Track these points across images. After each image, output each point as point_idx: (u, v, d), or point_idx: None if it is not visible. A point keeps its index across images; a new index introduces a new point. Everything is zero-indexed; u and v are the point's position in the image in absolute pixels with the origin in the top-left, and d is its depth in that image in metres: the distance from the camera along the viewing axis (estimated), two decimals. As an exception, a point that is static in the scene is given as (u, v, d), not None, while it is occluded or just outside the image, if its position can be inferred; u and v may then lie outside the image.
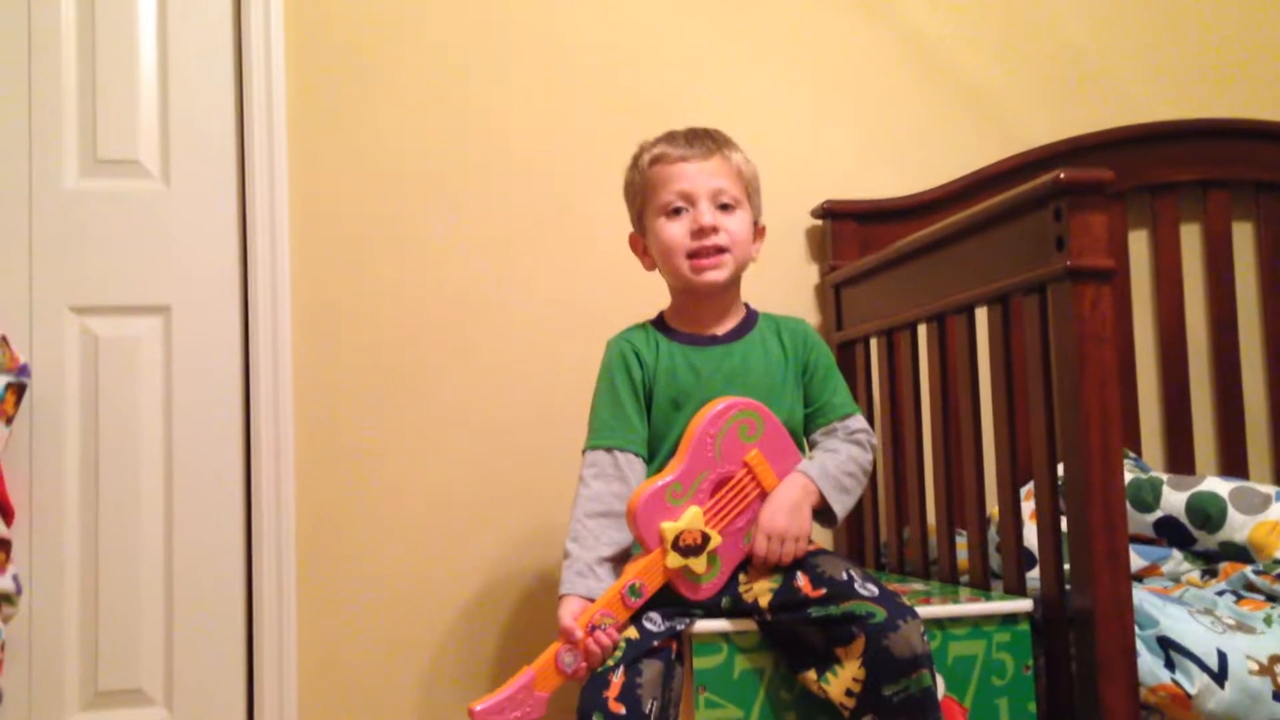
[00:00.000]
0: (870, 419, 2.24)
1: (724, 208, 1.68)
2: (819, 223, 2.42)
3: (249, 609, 2.17)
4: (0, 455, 2.03)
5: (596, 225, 2.29)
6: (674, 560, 1.53)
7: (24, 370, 2.08)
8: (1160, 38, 2.59)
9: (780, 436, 1.62)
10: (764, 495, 1.59)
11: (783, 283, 2.38)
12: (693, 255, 1.67)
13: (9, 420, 2.05)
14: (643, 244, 1.76)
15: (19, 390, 2.07)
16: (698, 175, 1.67)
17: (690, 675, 1.54)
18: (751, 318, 1.76)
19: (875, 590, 1.48)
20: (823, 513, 1.62)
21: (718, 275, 1.68)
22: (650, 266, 1.77)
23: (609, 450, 1.66)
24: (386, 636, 2.19)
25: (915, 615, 1.47)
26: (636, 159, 1.75)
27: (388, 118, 2.28)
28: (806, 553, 1.59)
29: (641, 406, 1.69)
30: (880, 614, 1.45)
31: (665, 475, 1.57)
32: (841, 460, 1.65)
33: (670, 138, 1.72)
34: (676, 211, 1.68)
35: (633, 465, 1.65)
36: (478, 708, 1.46)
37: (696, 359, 1.69)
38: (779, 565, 1.57)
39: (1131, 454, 2.26)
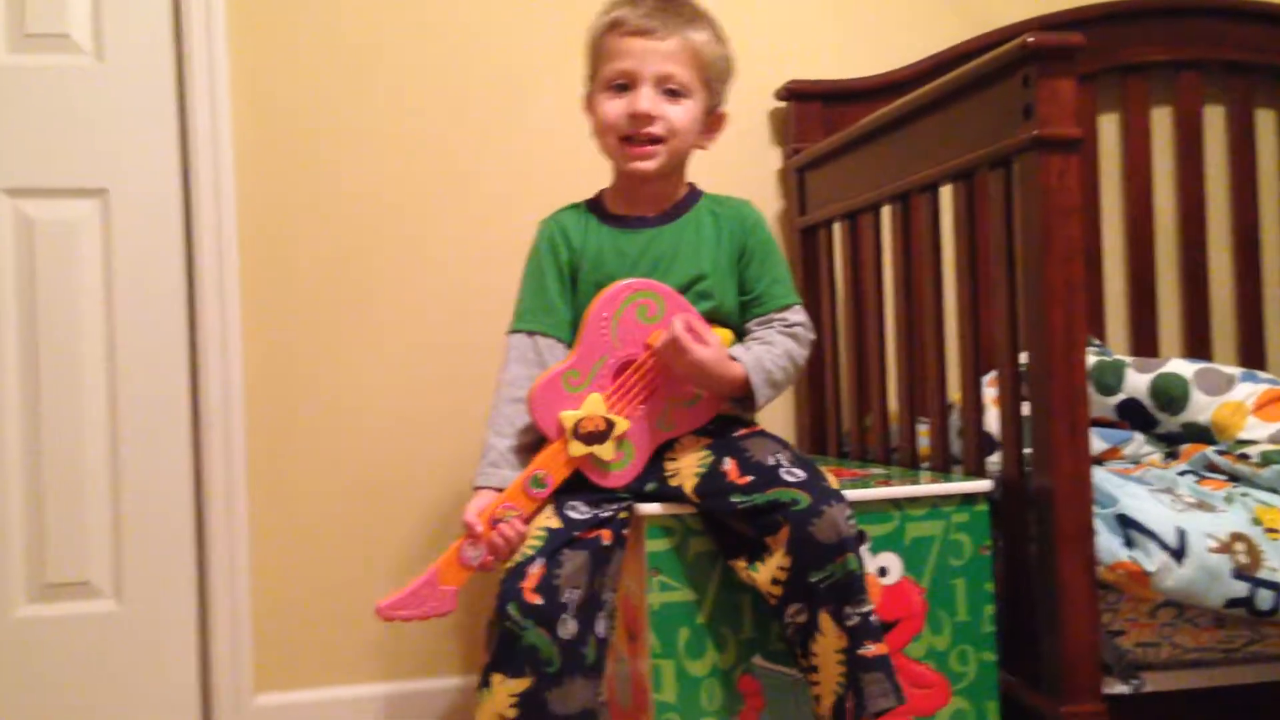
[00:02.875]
0: (832, 306, 2.20)
1: (670, 93, 1.59)
2: (782, 105, 2.35)
3: (198, 499, 2.12)
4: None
5: (551, 113, 2.20)
6: (577, 449, 1.50)
7: (-45, 254, 2.00)
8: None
9: (685, 312, 1.55)
10: (670, 375, 1.53)
11: (745, 167, 2.31)
12: (625, 139, 1.59)
13: (-60, 306, 1.98)
14: (586, 106, 1.67)
15: (-50, 275, 1.99)
16: (646, 54, 1.57)
17: (642, 558, 1.50)
18: (690, 199, 1.67)
19: (801, 475, 1.44)
20: (744, 400, 1.56)
21: (647, 165, 1.60)
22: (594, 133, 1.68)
23: (529, 334, 1.62)
24: (339, 527, 2.15)
25: (841, 499, 1.43)
26: (596, 19, 1.64)
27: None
28: (738, 435, 1.55)
29: (566, 289, 1.63)
30: (804, 500, 1.41)
31: (562, 363, 1.53)
32: (776, 354, 1.57)
33: (632, 4, 1.60)
34: (620, 88, 1.59)
35: (553, 349, 1.60)
36: (383, 604, 1.47)
37: (624, 242, 1.63)
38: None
39: (1096, 340, 2.23)
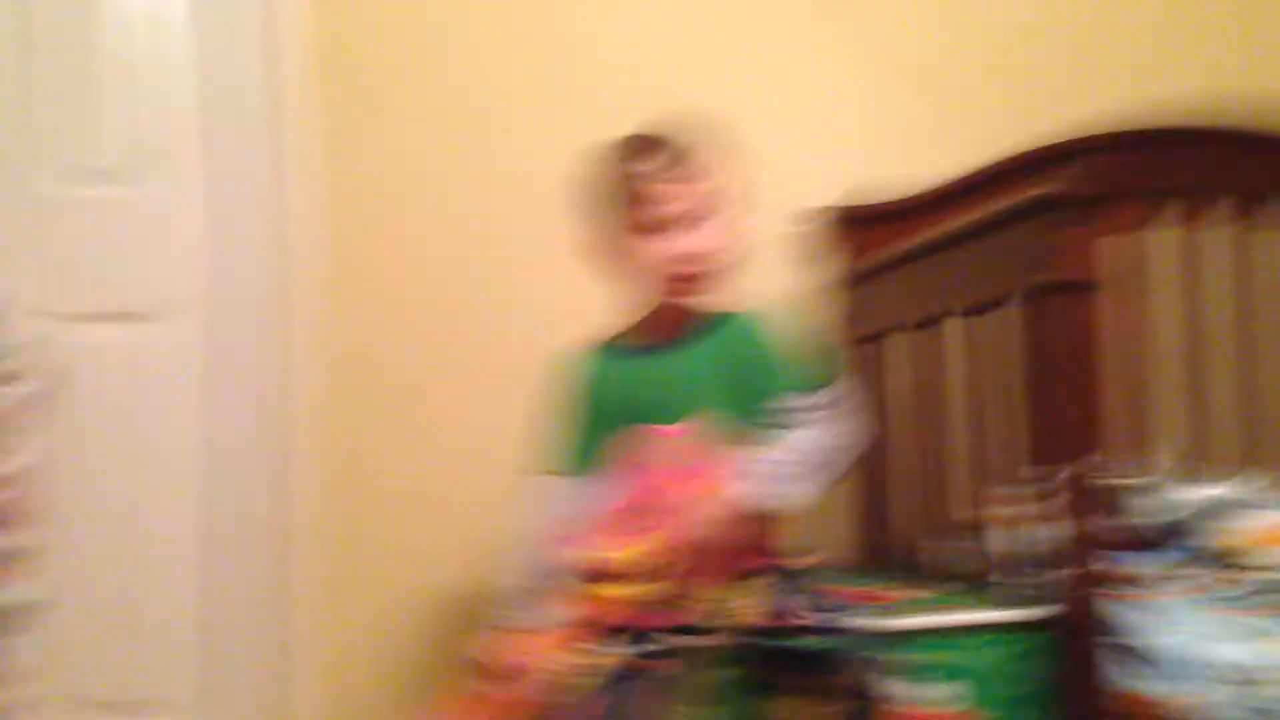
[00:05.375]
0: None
1: (699, 221, 1.62)
2: (823, 222, 2.44)
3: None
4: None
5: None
6: (611, 590, 1.52)
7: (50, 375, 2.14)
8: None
9: (714, 460, 1.57)
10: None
11: (782, 281, 2.40)
12: (672, 279, 1.63)
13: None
14: (599, 249, 1.70)
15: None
16: (673, 195, 1.61)
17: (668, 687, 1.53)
18: (706, 318, 1.68)
19: (821, 619, 1.48)
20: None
21: (703, 292, 1.65)
22: (610, 273, 1.71)
23: (555, 475, 1.69)
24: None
25: (865, 645, 1.47)
26: (605, 167, 1.67)
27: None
28: (758, 570, 1.56)
29: (583, 426, 1.69)
30: (846, 650, 1.46)
31: (598, 507, 1.59)
32: (779, 455, 1.56)
33: (640, 149, 1.64)
34: (653, 230, 1.63)
35: (579, 489, 1.65)
36: None
37: (637, 369, 1.68)
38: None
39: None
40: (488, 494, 2.21)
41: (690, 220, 1.63)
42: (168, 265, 2.28)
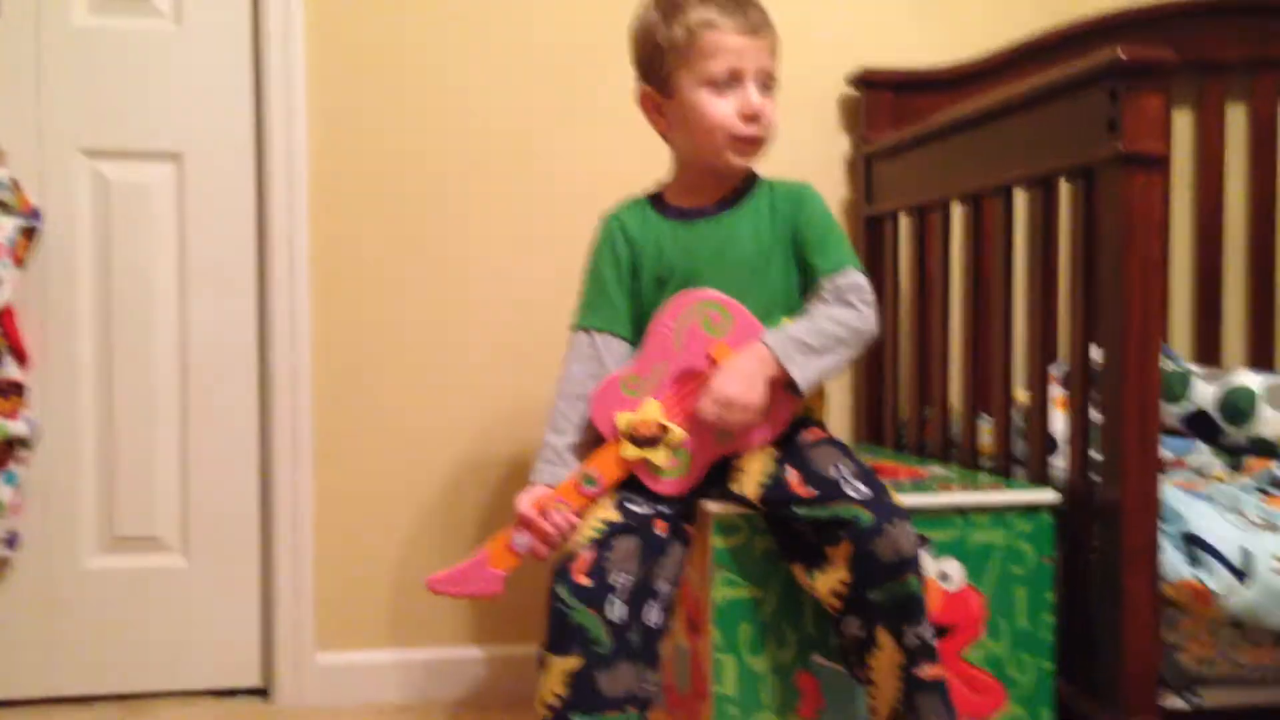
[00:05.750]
0: (895, 296, 2.20)
1: (765, 87, 1.59)
2: (852, 92, 2.33)
3: (264, 461, 2.17)
4: (12, 299, 2.00)
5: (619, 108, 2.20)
6: (630, 451, 1.52)
7: (35, 214, 2.04)
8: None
9: (751, 329, 1.54)
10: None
11: (813, 151, 2.30)
12: (736, 138, 1.58)
13: (21, 264, 2.01)
14: (656, 102, 1.64)
15: (30, 233, 2.03)
16: (749, 52, 1.57)
17: (708, 554, 1.53)
18: (748, 186, 1.66)
19: (865, 491, 1.44)
20: (790, 383, 1.52)
21: (753, 159, 1.62)
22: (662, 129, 1.66)
23: (588, 331, 1.64)
24: (402, 493, 2.19)
25: (905, 517, 1.43)
26: (674, 13, 1.60)
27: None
28: (803, 441, 1.54)
29: (625, 285, 1.64)
30: (867, 517, 1.41)
31: (625, 366, 1.56)
32: (811, 322, 1.54)
33: (717, 2, 1.58)
34: (723, 85, 1.57)
35: (610, 347, 1.62)
36: (432, 579, 1.54)
37: (684, 234, 1.63)
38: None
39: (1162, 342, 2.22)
40: (483, 350, 2.21)
41: (759, 79, 1.59)
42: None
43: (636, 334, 1.63)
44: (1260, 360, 2.36)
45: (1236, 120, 2.45)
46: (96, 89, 2.10)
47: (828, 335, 1.53)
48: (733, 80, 1.57)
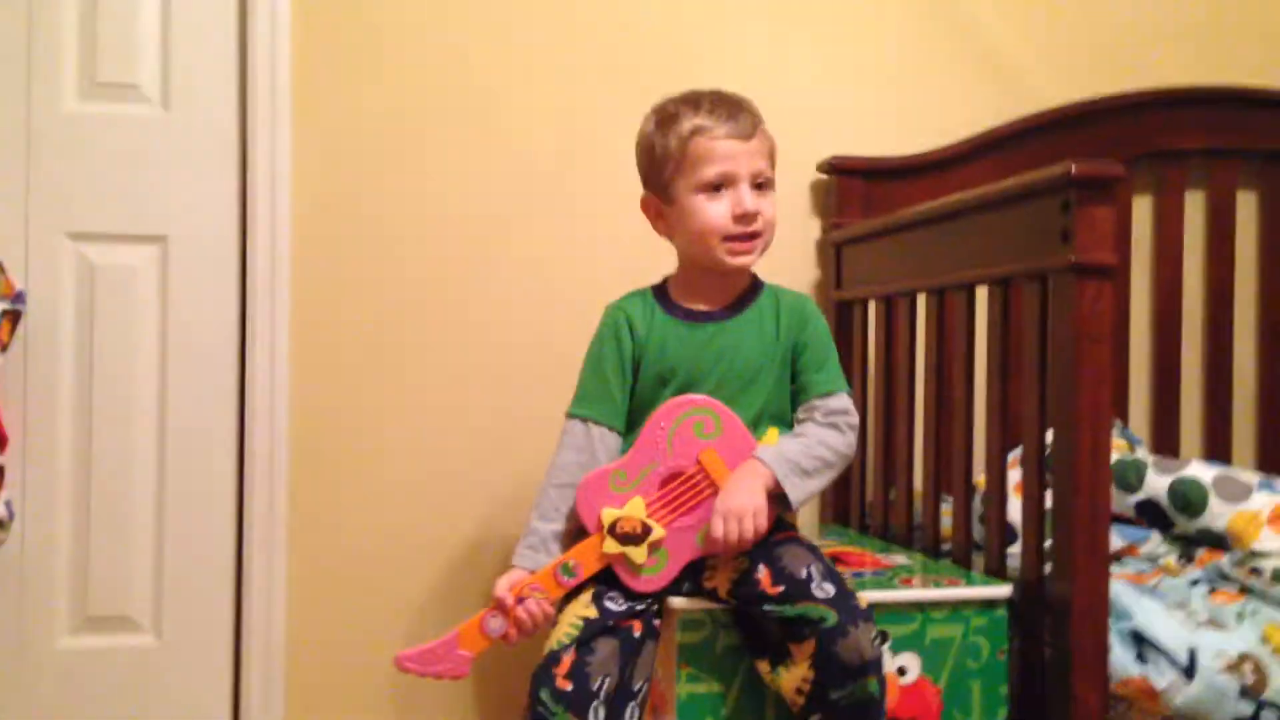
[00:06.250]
0: (864, 381, 2.26)
1: (759, 187, 1.64)
2: (824, 177, 2.40)
3: (239, 540, 2.19)
4: (-5, 381, 2.04)
5: (596, 195, 2.28)
6: (611, 546, 1.55)
7: (20, 297, 2.07)
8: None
9: (741, 437, 1.59)
10: (717, 494, 1.56)
11: (784, 237, 2.30)
12: (730, 238, 1.63)
13: (4, 347, 2.05)
14: (657, 208, 1.70)
15: (14, 317, 2.06)
16: (741, 155, 1.62)
17: (673, 649, 1.57)
18: (753, 292, 1.71)
19: (831, 591, 1.48)
20: (779, 497, 1.57)
21: (751, 260, 1.66)
22: (664, 233, 1.72)
23: (584, 420, 1.67)
24: (377, 571, 2.22)
25: (868, 619, 1.47)
26: (668, 123, 1.66)
27: (392, 52, 2.24)
28: (774, 541, 1.57)
29: (625, 379, 1.68)
30: (832, 618, 1.45)
31: (615, 461, 1.60)
32: (806, 444, 1.60)
33: (709, 107, 1.64)
34: (716, 189, 1.63)
35: (605, 439, 1.66)
36: (401, 655, 1.57)
37: (689, 335, 1.67)
38: (743, 550, 1.55)
39: (1119, 421, 2.28)
40: (453, 433, 2.26)
41: (753, 181, 1.64)
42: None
43: (630, 426, 1.67)
44: (1215, 447, 2.42)
45: (1196, 206, 2.52)
46: (84, 173, 2.15)
47: (818, 459, 1.60)
48: (726, 184, 1.63)
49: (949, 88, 2.46)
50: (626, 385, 1.68)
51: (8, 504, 2.05)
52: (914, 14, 2.46)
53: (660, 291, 1.74)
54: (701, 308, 1.70)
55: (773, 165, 1.68)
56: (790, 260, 2.28)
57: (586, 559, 1.57)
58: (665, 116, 1.67)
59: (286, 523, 2.18)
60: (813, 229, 2.42)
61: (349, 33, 2.23)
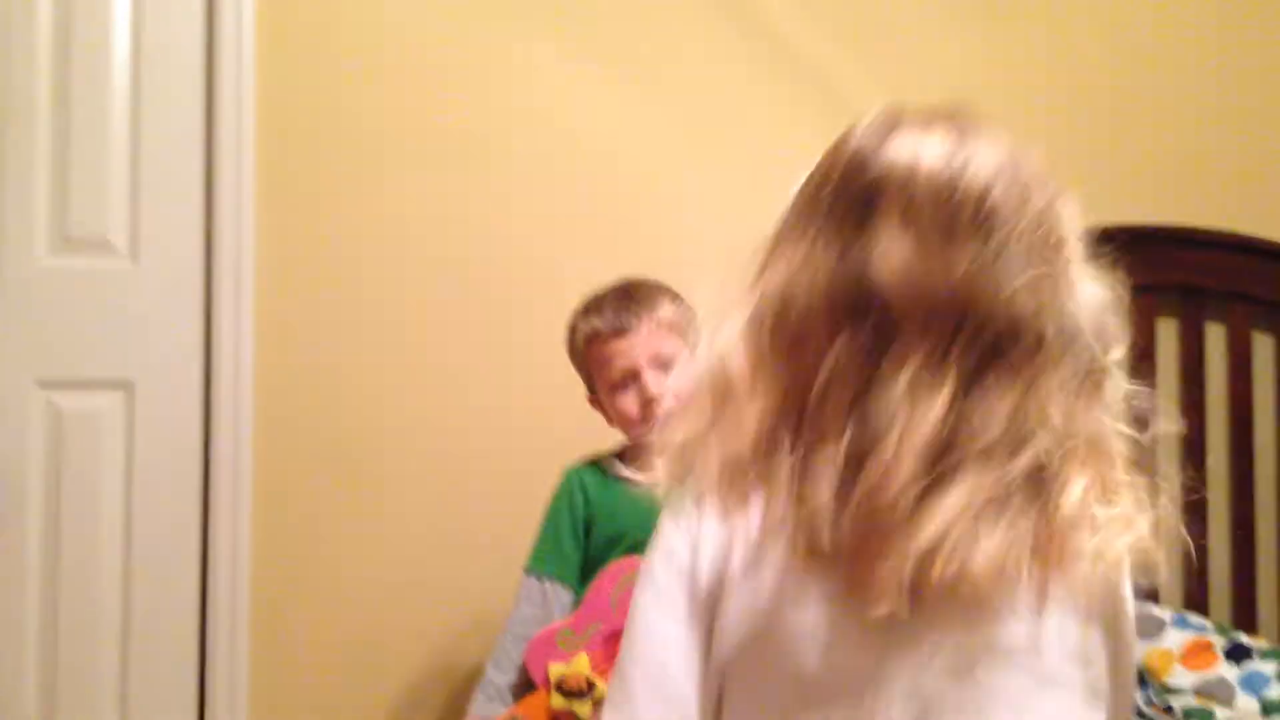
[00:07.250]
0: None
1: (663, 368, 1.74)
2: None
3: (200, 677, 2.25)
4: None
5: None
6: (557, 701, 1.64)
7: (-11, 444, 2.14)
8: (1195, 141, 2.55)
9: None
10: None
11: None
12: (640, 424, 1.74)
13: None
14: (597, 404, 1.83)
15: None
16: (636, 348, 1.73)
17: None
18: None
19: None
20: None
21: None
22: (607, 420, 1.84)
23: (539, 577, 1.79)
24: (336, 705, 2.28)
25: None
26: (572, 335, 1.81)
27: (352, 207, 2.34)
28: None
29: (579, 539, 1.80)
30: None
31: (563, 620, 1.71)
32: None
33: (598, 309, 1.77)
34: (625, 385, 1.75)
35: (558, 594, 1.78)
36: None
37: (637, 502, 1.76)
38: None
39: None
40: (411, 553, 2.33)
41: (654, 365, 1.73)
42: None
43: (583, 581, 1.77)
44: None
45: (1217, 339, 2.45)
46: (54, 323, 2.23)
47: None
48: (630, 379, 1.74)
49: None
50: (580, 544, 1.80)
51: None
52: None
53: (613, 458, 1.84)
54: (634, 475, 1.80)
55: (682, 332, 1.73)
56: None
57: (534, 712, 1.65)
58: (571, 328, 1.82)
59: (247, 663, 2.24)
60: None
61: (312, 175, 2.32)
